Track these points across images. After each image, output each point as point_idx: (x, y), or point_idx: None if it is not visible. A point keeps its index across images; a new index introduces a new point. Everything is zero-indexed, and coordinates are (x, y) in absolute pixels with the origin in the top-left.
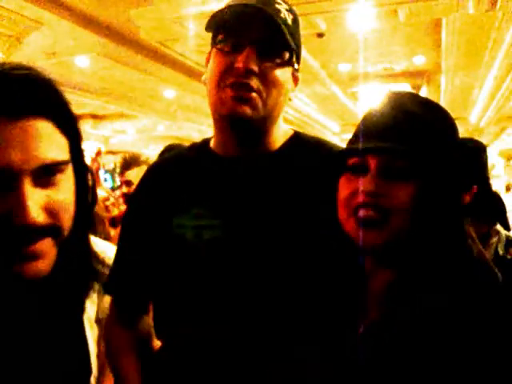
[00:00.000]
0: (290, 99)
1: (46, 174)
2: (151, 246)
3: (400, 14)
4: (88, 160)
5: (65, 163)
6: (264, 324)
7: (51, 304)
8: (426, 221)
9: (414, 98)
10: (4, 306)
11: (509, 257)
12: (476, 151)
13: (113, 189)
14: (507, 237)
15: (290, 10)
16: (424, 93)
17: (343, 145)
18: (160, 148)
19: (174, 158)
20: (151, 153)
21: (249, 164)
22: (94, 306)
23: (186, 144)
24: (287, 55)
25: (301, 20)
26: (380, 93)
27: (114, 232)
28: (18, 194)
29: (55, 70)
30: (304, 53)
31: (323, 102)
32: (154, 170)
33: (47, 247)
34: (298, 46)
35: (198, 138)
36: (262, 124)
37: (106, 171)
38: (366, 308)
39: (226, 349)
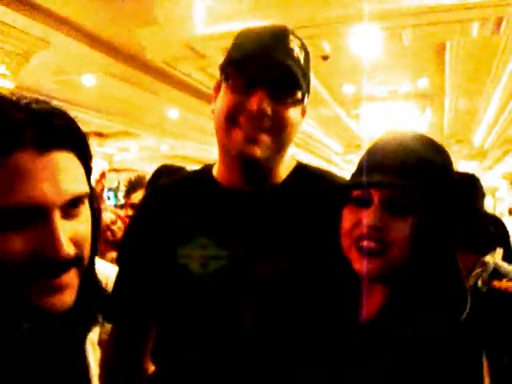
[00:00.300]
0: (298, 132)
1: (71, 206)
2: (155, 274)
3: (404, 38)
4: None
5: (87, 195)
6: (268, 354)
7: (64, 334)
8: (424, 252)
9: (416, 136)
10: (23, 342)
11: (484, 289)
12: (469, 185)
13: (115, 206)
14: (495, 268)
15: (303, 46)
16: (428, 115)
17: (346, 165)
18: None
19: (177, 186)
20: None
21: (254, 197)
22: (96, 329)
23: (178, 164)
24: (299, 95)
25: (306, 43)
26: (383, 115)
27: (115, 255)
28: (50, 228)
29: (61, 88)
30: None
31: (327, 123)
32: (157, 197)
33: (72, 278)
34: (309, 82)
35: (201, 157)
36: (271, 162)
37: (110, 189)
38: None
39: (229, 374)
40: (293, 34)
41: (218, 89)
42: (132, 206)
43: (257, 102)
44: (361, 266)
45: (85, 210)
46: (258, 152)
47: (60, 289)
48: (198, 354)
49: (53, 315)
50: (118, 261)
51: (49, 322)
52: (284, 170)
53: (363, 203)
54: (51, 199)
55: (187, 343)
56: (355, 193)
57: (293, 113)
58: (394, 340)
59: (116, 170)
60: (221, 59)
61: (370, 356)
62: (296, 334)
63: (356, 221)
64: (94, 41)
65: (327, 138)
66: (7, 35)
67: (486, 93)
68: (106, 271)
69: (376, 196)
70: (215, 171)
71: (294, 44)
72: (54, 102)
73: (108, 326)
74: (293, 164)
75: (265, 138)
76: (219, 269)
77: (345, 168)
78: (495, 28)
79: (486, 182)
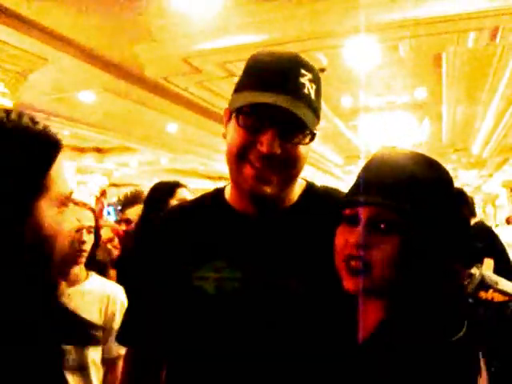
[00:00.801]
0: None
1: None
2: (169, 297)
3: (401, 49)
4: (92, 199)
5: None
6: (281, 373)
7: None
8: (415, 269)
9: (409, 154)
10: None
11: (471, 300)
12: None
13: (115, 221)
14: (482, 279)
15: (314, 79)
16: (426, 125)
17: (346, 176)
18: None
19: (189, 209)
20: None
21: (266, 222)
22: (99, 348)
23: (175, 179)
24: (308, 133)
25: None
26: (381, 126)
27: (113, 273)
28: None
29: (60, 104)
30: None
31: (326, 135)
32: (169, 220)
33: None
34: (319, 114)
35: (201, 170)
36: (282, 194)
37: (110, 205)
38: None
39: None
40: (305, 65)
41: (229, 114)
42: (126, 221)
43: (267, 143)
44: (347, 283)
45: None
46: (269, 190)
47: None
48: (213, 374)
49: None
50: (119, 280)
51: None
52: (294, 192)
53: (353, 222)
54: None
55: (201, 364)
56: (347, 211)
57: (303, 149)
58: (392, 357)
59: (116, 185)
60: (218, 73)
61: (369, 373)
62: (307, 354)
63: (346, 239)
64: (92, 57)
65: (327, 150)
66: (5, 53)
67: (484, 101)
68: (108, 289)
69: (363, 214)
70: (227, 195)
71: (306, 79)
72: (52, 119)
73: (111, 343)
74: (303, 185)
75: (275, 177)
76: (233, 291)
77: (345, 179)
78: (491, 38)
79: (485, 191)
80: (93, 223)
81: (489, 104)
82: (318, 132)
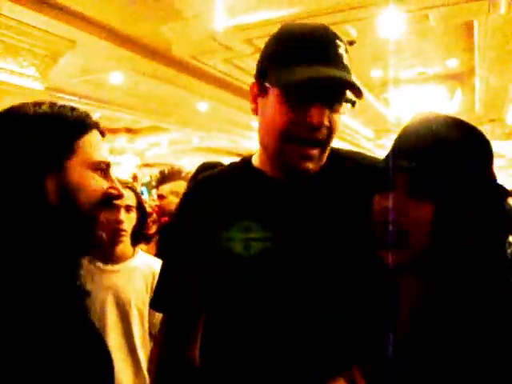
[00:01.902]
0: None
1: None
2: (200, 260)
3: (431, 18)
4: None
5: None
6: (317, 334)
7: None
8: (451, 240)
9: (446, 120)
10: None
11: None
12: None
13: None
14: None
15: (346, 49)
16: (459, 95)
17: (378, 151)
18: (195, 159)
19: (219, 176)
20: (186, 164)
21: (297, 183)
22: (145, 323)
23: (218, 160)
24: (348, 94)
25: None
26: (413, 98)
27: (145, 247)
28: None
29: (89, 86)
30: None
31: (357, 109)
32: (200, 187)
33: None
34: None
35: (232, 148)
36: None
37: (142, 184)
38: (398, 312)
39: (276, 354)
40: (338, 36)
41: (259, 90)
42: (160, 196)
43: (317, 115)
44: (385, 255)
45: None
46: (311, 166)
47: None
48: (246, 335)
49: None
50: (160, 252)
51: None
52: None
53: (389, 188)
54: None
55: (235, 325)
56: (383, 178)
57: (342, 117)
58: (443, 331)
59: (148, 165)
60: (245, 50)
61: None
62: (337, 316)
63: (382, 207)
64: (120, 38)
65: (358, 123)
66: (34, 37)
67: None
68: (155, 265)
69: (399, 181)
70: (256, 162)
71: (342, 49)
72: (83, 101)
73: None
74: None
75: (318, 152)
76: (261, 250)
77: (377, 153)
78: None
79: None
80: (133, 202)
81: None
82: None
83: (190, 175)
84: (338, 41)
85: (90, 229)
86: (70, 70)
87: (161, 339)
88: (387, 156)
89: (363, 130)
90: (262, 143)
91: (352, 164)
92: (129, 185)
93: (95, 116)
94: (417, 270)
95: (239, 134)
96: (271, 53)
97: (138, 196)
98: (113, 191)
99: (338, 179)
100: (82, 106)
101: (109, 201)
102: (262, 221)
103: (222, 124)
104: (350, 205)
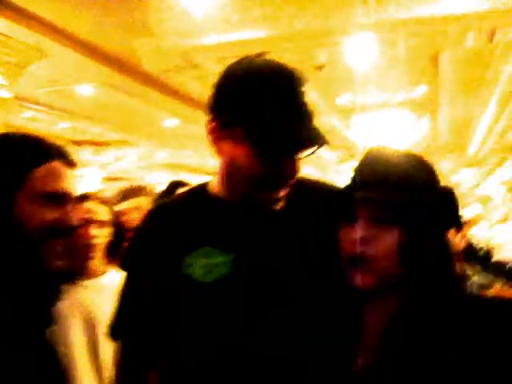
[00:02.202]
0: None
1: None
2: (160, 288)
3: (399, 47)
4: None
5: None
6: (274, 356)
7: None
8: (413, 262)
9: (397, 152)
10: None
11: None
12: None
13: None
14: None
15: (303, 83)
16: (423, 123)
17: (340, 175)
18: (161, 175)
19: (177, 202)
20: (151, 180)
21: (256, 209)
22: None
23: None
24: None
25: (301, 53)
26: (378, 124)
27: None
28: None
29: (57, 97)
30: None
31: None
32: (158, 214)
33: None
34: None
35: (198, 165)
36: None
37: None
38: (363, 338)
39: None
40: (300, 81)
41: (221, 135)
42: (120, 213)
43: (290, 170)
44: (354, 280)
45: None
46: (279, 206)
47: None
48: (207, 362)
49: None
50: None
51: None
52: None
53: (352, 220)
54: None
55: (196, 351)
56: (346, 210)
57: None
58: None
59: (113, 179)
60: (215, 69)
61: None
62: (299, 342)
63: (348, 238)
64: (91, 51)
65: (322, 148)
66: (3, 45)
67: (481, 101)
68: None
69: (362, 211)
70: (214, 189)
71: (305, 95)
72: (50, 112)
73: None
74: None
75: (284, 192)
76: (221, 276)
77: (340, 173)
78: (489, 37)
79: (482, 191)
80: (105, 217)
81: (486, 103)
82: None
83: (153, 191)
84: (300, 87)
85: (38, 258)
86: (38, 79)
87: (116, 369)
88: (348, 187)
89: (327, 154)
90: (226, 183)
91: (312, 190)
92: (103, 200)
93: (62, 127)
94: (384, 293)
95: (206, 152)
96: (236, 100)
97: (112, 211)
98: (60, 223)
99: (298, 204)
100: (48, 116)
101: (60, 231)
102: (222, 246)
103: (191, 141)
104: (310, 229)
